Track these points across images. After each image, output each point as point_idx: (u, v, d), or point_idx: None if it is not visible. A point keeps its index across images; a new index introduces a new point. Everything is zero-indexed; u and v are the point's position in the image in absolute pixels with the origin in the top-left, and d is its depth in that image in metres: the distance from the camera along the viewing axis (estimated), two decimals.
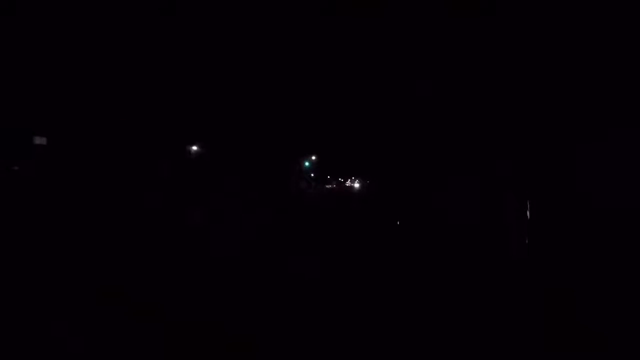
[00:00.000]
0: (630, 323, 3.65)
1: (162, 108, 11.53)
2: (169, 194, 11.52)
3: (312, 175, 32.07)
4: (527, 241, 8.19)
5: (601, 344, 3.25)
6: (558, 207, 8.47)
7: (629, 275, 5.36)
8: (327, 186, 36.29)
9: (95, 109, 11.51)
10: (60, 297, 4.08)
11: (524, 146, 9.58)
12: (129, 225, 8.58)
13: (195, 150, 15.95)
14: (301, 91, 15.05)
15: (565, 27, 8.35)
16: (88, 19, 8.39)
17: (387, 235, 9.16)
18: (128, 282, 4.64)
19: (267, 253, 6.32)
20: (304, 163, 29.79)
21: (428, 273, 5.65)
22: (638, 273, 5.33)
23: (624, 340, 3.32)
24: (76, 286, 4.43)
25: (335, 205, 19.56)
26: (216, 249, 6.32)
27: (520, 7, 8.46)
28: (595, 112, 8.88)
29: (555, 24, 8.34)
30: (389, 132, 14.82)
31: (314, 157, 30.64)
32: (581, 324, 3.62)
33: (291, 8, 8.87)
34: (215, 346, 3.08)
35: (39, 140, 11.63)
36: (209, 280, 4.68)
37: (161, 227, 8.46)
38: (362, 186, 36.26)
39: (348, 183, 41.26)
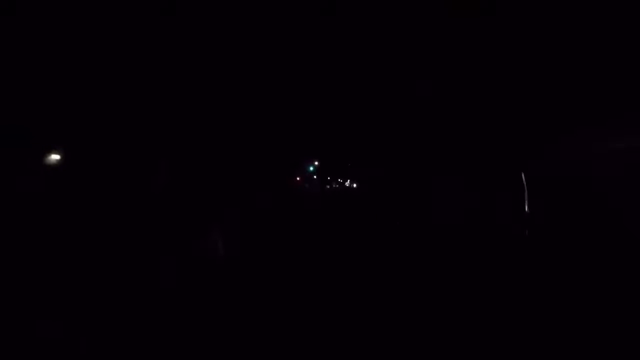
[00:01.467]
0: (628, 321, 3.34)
1: (162, 110, 11.00)
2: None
3: (315, 177, 33.28)
4: (526, 237, 7.63)
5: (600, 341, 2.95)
6: (557, 204, 8.06)
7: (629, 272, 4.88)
8: (327, 186, 36.87)
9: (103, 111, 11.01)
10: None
11: (522, 145, 9.10)
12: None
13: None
14: (302, 97, 14.56)
15: (565, 27, 7.88)
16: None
17: (383, 231, 8.82)
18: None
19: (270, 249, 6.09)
20: (308, 167, 30.59)
21: (427, 272, 5.25)
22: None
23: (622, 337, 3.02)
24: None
25: (333, 200, 20.83)
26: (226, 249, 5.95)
27: (520, 7, 7.93)
28: (594, 110, 8.44)
29: (555, 25, 7.85)
30: (386, 134, 14.44)
31: (316, 162, 31.60)
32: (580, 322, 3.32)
33: (291, 8, 8.24)
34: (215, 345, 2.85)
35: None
36: (213, 280, 4.38)
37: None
38: (358, 186, 36.84)
39: (347, 183, 42.44)
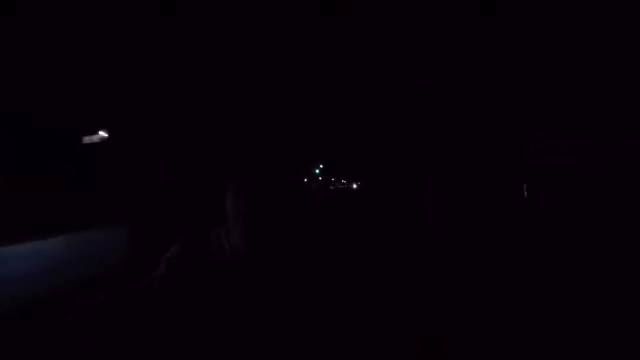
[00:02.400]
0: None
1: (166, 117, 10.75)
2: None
3: (320, 178, 35.15)
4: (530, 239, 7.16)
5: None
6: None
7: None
8: (331, 187, 38.38)
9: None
10: None
11: (522, 146, 8.69)
12: None
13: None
14: (306, 103, 14.34)
15: (565, 27, 7.48)
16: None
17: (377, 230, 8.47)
18: None
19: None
20: (315, 170, 32.33)
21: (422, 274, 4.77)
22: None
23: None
24: None
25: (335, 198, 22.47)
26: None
27: (521, 7, 7.56)
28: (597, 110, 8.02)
29: (555, 25, 7.44)
30: (386, 135, 14.18)
31: (321, 166, 33.26)
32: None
33: (291, 9, 7.90)
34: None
35: None
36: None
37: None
38: (360, 186, 38.22)
39: (353, 185, 43.55)
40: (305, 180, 31.40)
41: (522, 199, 7.62)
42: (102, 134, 10.57)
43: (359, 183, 37.69)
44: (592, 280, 4.25)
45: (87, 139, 10.66)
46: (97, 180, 10.86)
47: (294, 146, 19.53)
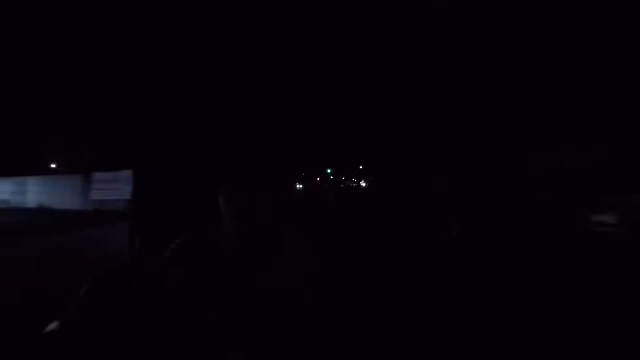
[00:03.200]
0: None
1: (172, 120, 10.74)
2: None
3: (332, 178, 35.95)
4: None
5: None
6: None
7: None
8: (342, 186, 39.36)
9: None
10: None
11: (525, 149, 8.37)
12: None
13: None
14: (312, 107, 14.19)
15: (564, 28, 7.20)
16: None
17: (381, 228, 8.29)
18: None
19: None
20: (327, 170, 33.38)
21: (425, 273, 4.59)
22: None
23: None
24: None
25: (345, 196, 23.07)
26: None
27: (520, 7, 7.30)
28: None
29: (554, 25, 7.15)
30: (389, 135, 13.95)
31: (334, 166, 34.15)
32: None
33: (291, 9, 7.75)
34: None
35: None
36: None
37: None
38: (369, 185, 38.20)
39: (362, 183, 44.60)
40: (319, 179, 32.35)
41: (523, 199, 7.32)
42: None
43: (368, 182, 38.30)
44: (591, 283, 4.01)
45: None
46: None
47: (298, 146, 19.46)
